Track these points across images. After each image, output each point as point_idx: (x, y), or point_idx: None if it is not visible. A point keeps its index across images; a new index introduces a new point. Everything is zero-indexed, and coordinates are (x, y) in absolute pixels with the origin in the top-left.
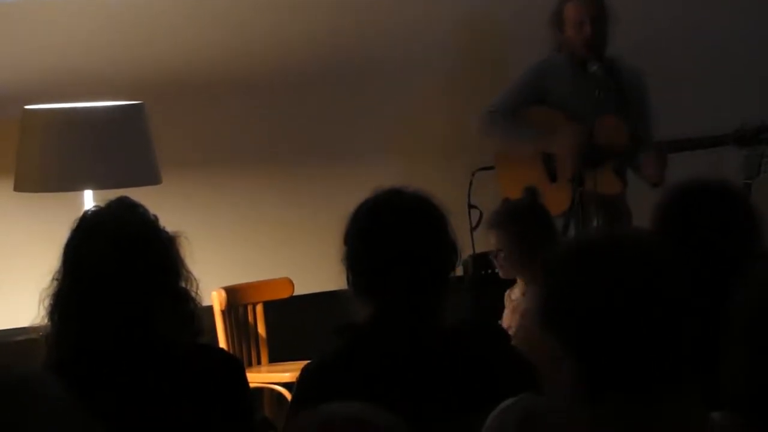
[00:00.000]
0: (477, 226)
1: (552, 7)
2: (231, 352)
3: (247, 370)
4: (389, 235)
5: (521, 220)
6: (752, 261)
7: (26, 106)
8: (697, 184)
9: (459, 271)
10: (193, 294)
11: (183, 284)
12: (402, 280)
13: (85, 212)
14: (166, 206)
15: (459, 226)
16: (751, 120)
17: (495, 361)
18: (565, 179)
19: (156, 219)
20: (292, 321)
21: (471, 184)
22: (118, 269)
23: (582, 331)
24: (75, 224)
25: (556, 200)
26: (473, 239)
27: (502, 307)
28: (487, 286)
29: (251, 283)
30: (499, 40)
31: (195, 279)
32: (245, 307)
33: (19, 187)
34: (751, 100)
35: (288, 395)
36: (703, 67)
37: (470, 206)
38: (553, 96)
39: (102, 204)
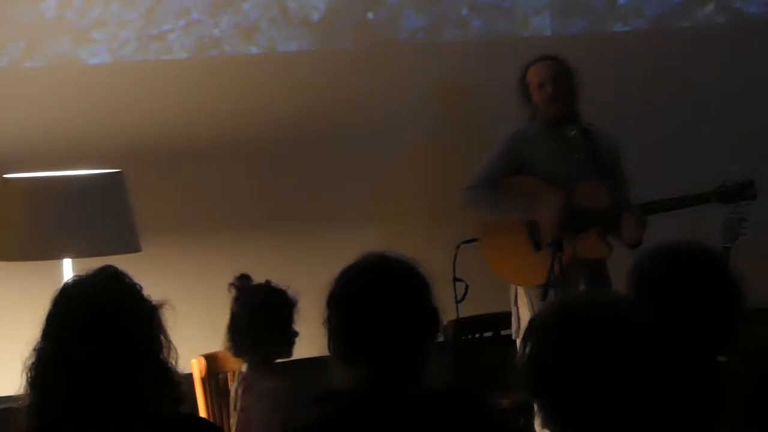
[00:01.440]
0: (463, 298)
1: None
2: (211, 419)
3: None
4: (373, 301)
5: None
6: (733, 325)
7: (5, 175)
8: (674, 247)
9: (439, 336)
10: (172, 363)
11: (164, 353)
12: (385, 346)
13: (66, 282)
14: (146, 274)
15: (442, 297)
16: (732, 177)
17: (479, 427)
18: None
19: (140, 288)
20: None
21: (455, 257)
22: (98, 340)
23: (563, 395)
24: (56, 294)
25: (541, 269)
26: (458, 311)
27: (481, 372)
28: (467, 352)
29: None
30: (474, 103)
31: (174, 348)
32: (226, 374)
33: None
34: (729, 159)
35: None
36: (679, 127)
37: (455, 279)
38: (530, 165)
39: (83, 273)
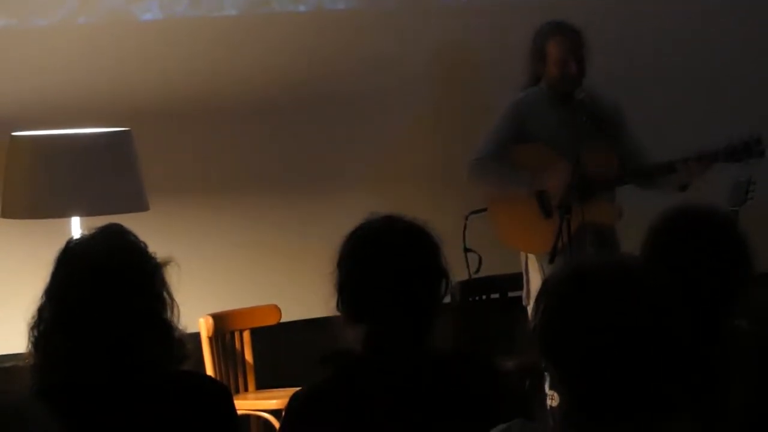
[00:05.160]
0: (477, 270)
1: (531, 42)
2: (218, 378)
3: (234, 397)
4: (382, 261)
5: None
6: (742, 288)
7: (13, 133)
8: (686, 210)
9: (447, 297)
10: (175, 321)
11: (167, 311)
12: (393, 306)
13: (69, 240)
14: (153, 233)
15: (452, 264)
16: (738, 135)
17: (485, 390)
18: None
19: (145, 246)
20: (280, 348)
21: (465, 228)
22: (101, 298)
23: (575, 358)
24: (60, 252)
25: (551, 236)
26: (470, 275)
27: (488, 333)
28: (475, 313)
29: (238, 309)
30: (478, 69)
31: (177, 306)
32: (232, 333)
33: (6, 214)
34: (735, 118)
35: (275, 422)
36: (684, 88)
37: (467, 250)
38: (536, 132)
39: (88, 231)
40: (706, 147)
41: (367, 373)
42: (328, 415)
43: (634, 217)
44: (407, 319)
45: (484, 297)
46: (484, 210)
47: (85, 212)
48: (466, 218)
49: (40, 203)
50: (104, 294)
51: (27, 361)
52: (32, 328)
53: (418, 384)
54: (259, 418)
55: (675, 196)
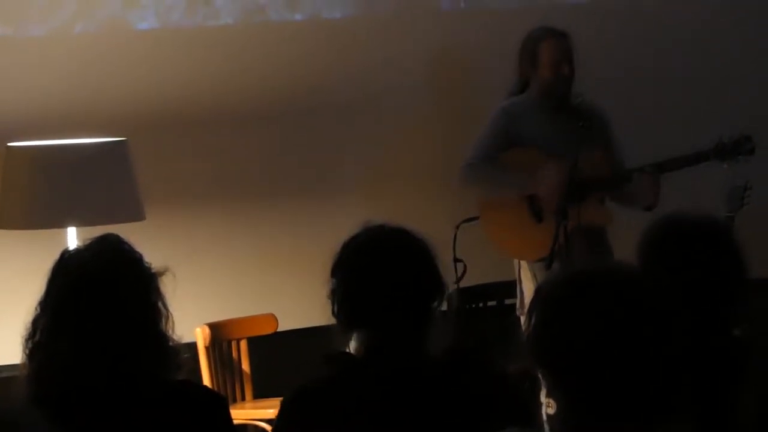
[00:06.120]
0: (460, 279)
1: (522, 46)
2: (215, 388)
3: (231, 407)
4: (376, 269)
5: None
6: (738, 294)
7: (9, 143)
8: (680, 218)
9: (443, 305)
10: (170, 331)
11: (162, 321)
12: (388, 312)
13: (65, 251)
14: (150, 243)
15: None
16: (729, 134)
17: (483, 392)
18: (551, 218)
19: (140, 256)
20: (276, 357)
21: (455, 237)
22: (96, 308)
23: (570, 364)
24: (55, 263)
25: (544, 242)
26: (458, 286)
27: (485, 340)
28: (472, 320)
29: (235, 319)
30: (475, 74)
31: (171, 315)
32: (229, 343)
33: (2, 224)
34: (734, 118)
35: None
36: (676, 90)
37: (456, 260)
38: (526, 137)
39: (84, 242)
40: (700, 147)
41: (366, 376)
42: (323, 413)
43: (624, 222)
44: (405, 323)
45: (480, 304)
46: (475, 219)
47: (81, 222)
48: (457, 227)
49: (36, 214)
50: (99, 304)
51: (23, 370)
52: (27, 339)
53: (417, 386)
54: (256, 427)
55: (665, 203)
